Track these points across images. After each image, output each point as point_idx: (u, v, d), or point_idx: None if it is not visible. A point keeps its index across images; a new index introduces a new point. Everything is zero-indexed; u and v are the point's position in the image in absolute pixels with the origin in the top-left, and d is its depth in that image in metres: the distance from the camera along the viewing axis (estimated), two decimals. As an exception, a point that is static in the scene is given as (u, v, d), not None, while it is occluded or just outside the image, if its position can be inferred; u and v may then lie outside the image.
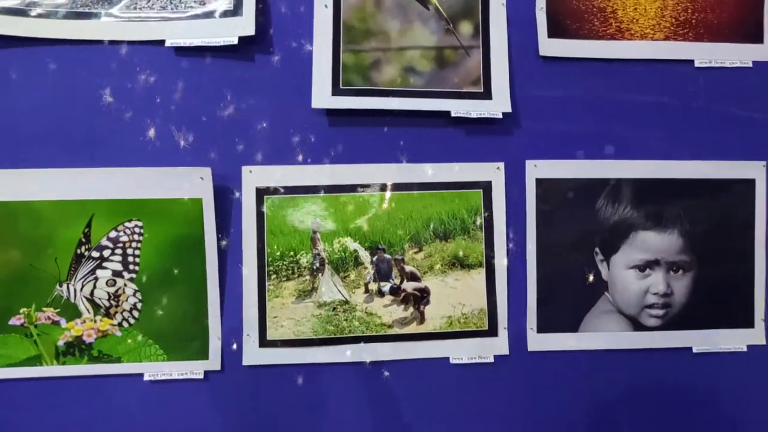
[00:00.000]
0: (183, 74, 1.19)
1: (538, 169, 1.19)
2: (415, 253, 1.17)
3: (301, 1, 1.22)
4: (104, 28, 1.18)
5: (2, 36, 1.19)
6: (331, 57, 1.19)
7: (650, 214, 1.20)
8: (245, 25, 1.18)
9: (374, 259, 1.15)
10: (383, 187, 1.18)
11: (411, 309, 1.15)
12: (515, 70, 1.23)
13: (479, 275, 1.18)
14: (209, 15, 1.19)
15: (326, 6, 1.20)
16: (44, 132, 1.18)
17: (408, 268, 1.15)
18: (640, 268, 1.19)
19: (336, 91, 1.18)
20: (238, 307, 1.16)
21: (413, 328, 1.16)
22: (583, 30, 1.24)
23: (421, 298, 1.15)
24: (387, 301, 1.15)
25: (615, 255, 1.20)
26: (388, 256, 1.15)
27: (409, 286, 1.15)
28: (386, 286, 1.15)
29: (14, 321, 1.14)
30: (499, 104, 1.20)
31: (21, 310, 1.14)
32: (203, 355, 1.14)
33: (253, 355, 1.15)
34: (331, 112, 1.20)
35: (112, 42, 1.19)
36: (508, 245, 1.20)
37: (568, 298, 1.19)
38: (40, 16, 1.18)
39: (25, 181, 1.17)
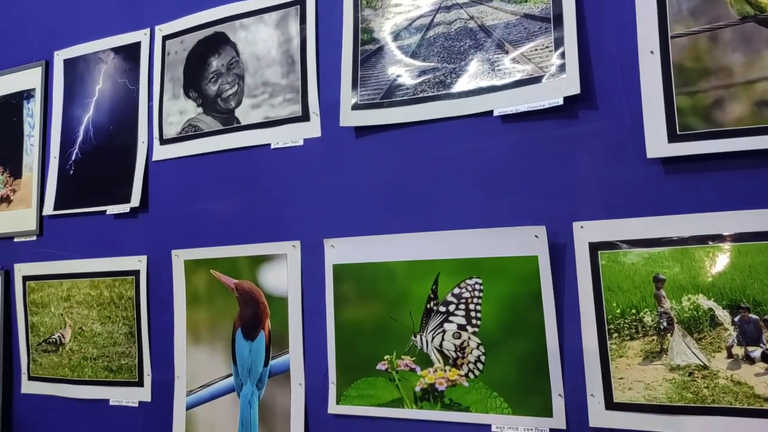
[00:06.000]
0: (511, 138, 0.96)
1: None
2: (792, 313, 0.74)
3: (624, 51, 0.87)
4: (440, 108, 0.99)
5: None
6: (664, 103, 0.83)
7: None
8: (569, 85, 0.90)
9: (736, 319, 0.75)
10: (741, 238, 0.76)
11: (794, 381, 0.72)
12: None
13: None
14: (534, 80, 0.91)
15: (652, 52, 0.87)
16: (396, 201, 1.06)
17: (784, 332, 0.73)
18: None
19: (673, 137, 0.81)
20: (579, 365, 0.84)
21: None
22: None
23: (807, 368, 0.71)
24: (759, 369, 0.73)
25: None
26: (754, 316, 0.75)
27: (788, 353, 0.72)
28: (756, 351, 0.75)
29: (380, 366, 1.02)
30: None
31: (385, 357, 0.98)
32: (546, 411, 0.87)
33: (599, 416, 0.84)
34: (668, 161, 0.83)
35: (446, 119, 0.97)
36: None
37: None
38: (390, 105, 1.02)
39: (383, 245, 1.12)
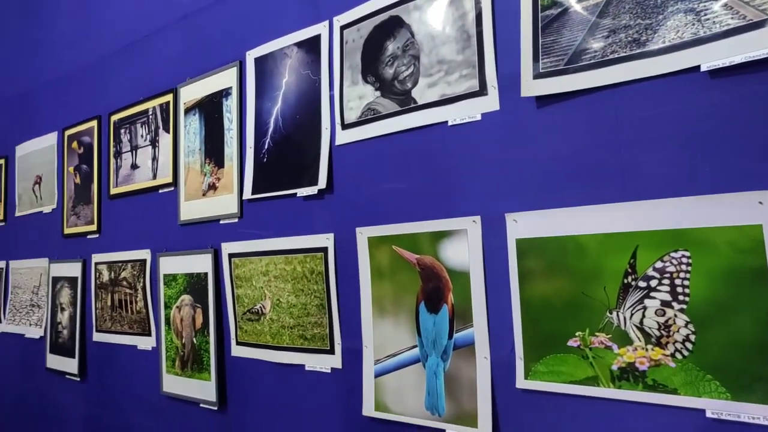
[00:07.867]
0: (722, 96, 0.88)
1: None
2: None
3: None
4: (635, 68, 0.92)
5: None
6: None
7: None
8: (801, 25, 0.77)
9: None
10: None
11: None
12: None
13: None
14: (753, 26, 0.81)
15: None
16: (583, 172, 1.03)
17: None
18: None
19: None
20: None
21: None
22: None
23: None
24: None
25: None
26: None
27: None
28: None
29: (571, 343, 0.99)
30: None
31: (576, 333, 0.95)
32: (777, 399, 0.76)
33: None
34: None
35: (640, 80, 0.91)
36: None
37: None
38: (576, 71, 0.98)
39: (571, 218, 1.08)
